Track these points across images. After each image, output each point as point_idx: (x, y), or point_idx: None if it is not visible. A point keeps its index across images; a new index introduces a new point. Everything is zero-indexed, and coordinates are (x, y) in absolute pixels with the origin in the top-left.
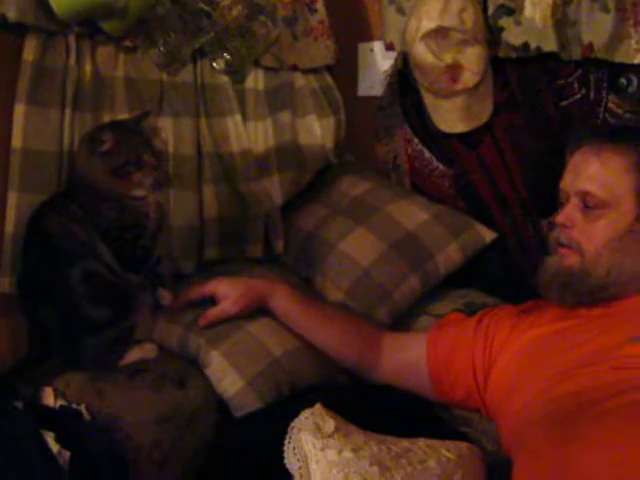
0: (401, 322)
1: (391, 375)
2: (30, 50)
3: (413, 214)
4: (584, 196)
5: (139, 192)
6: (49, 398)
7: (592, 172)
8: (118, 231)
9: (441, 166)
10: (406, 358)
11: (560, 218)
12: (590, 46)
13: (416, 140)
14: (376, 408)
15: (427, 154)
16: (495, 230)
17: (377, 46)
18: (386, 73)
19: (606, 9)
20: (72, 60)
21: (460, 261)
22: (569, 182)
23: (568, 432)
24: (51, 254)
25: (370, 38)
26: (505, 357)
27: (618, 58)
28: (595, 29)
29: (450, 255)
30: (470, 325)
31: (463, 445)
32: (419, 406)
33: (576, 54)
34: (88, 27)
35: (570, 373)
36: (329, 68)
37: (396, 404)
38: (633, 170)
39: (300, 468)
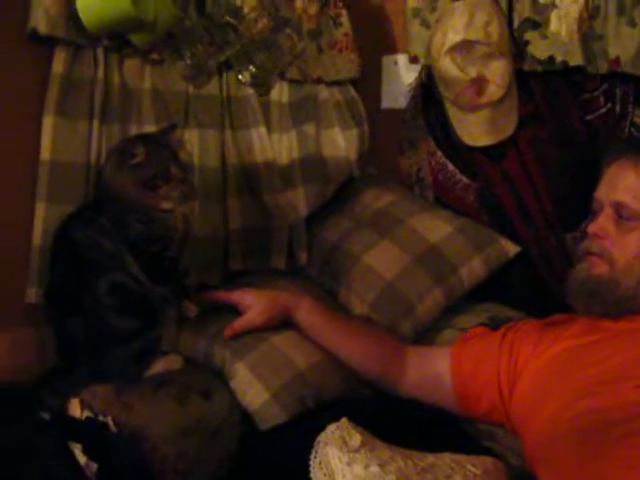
0: (425, 336)
1: (415, 388)
2: (59, 62)
3: (437, 227)
4: (619, 207)
5: (166, 205)
6: (75, 409)
7: (628, 184)
8: (145, 243)
9: (465, 179)
10: (430, 371)
11: (593, 228)
12: (617, 60)
13: (440, 153)
14: (401, 421)
15: (451, 167)
16: (519, 244)
17: (401, 59)
18: (410, 86)
19: (633, 23)
20: (100, 72)
21: (484, 275)
22: (604, 193)
23: (596, 450)
24: (78, 266)
25: (394, 51)
26: (530, 371)
27: None
28: (622, 43)
29: (474, 269)
30: (495, 339)
31: (488, 460)
32: (444, 420)
33: (602, 68)
34: (116, 40)
35: (593, 389)
36: (353, 81)
37: (421, 418)
38: None
39: None
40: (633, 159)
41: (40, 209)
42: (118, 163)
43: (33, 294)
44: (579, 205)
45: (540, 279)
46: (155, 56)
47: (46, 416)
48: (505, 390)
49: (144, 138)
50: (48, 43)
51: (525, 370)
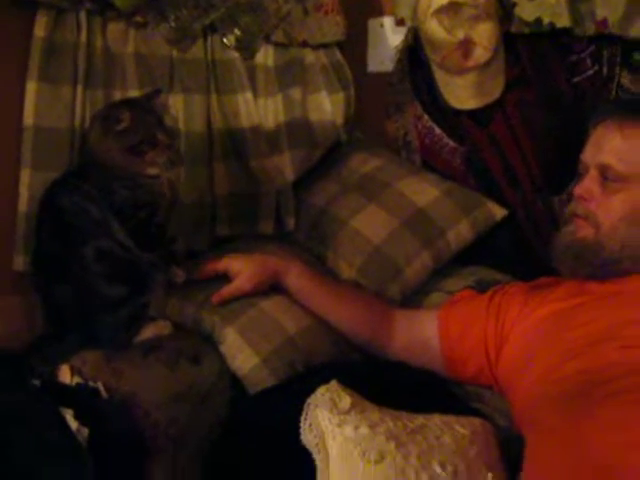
0: (412, 299)
1: (403, 352)
2: (41, 26)
3: (424, 191)
4: (604, 169)
5: (153, 171)
6: (65, 376)
7: (614, 146)
8: (132, 210)
9: (451, 143)
10: (418, 335)
11: (578, 190)
12: (604, 21)
13: (426, 117)
14: (390, 384)
15: (437, 131)
16: (506, 207)
17: (387, 21)
18: (396, 49)
19: None
20: (83, 36)
21: (471, 238)
22: (590, 155)
23: (581, 410)
24: (64, 232)
25: (380, 14)
26: (516, 334)
27: (633, 34)
28: (609, 4)
29: (461, 232)
30: (482, 302)
31: (476, 421)
32: (432, 382)
33: (590, 30)
34: (99, 3)
35: (579, 350)
36: (339, 44)
37: (409, 380)
38: None
39: (317, 444)
40: (618, 121)
41: (25, 175)
42: (103, 129)
43: (20, 261)
44: (566, 168)
45: (527, 242)
46: (139, 19)
47: (37, 383)
48: (492, 352)
49: (129, 103)
50: (30, 7)
51: (512, 333)
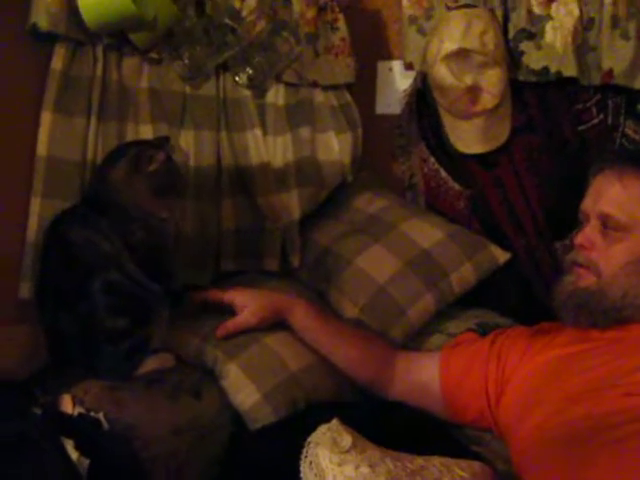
0: (414, 340)
1: (404, 394)
2: (59, 59)
3: (428, 233)
4: (605, 219)
5: (165, 214)
6: (67, 405)
7: (614, 195)
8: (145, 250)
9: (457, 186)
10: (419, 378)
11: (579, 239)
12: (610, 72)
13: (432, 159)
14: (390, 425)
15: (443, 174)
16: (509, 251)
17: (396, 65)
18: (405, 92)
19: (627, 36)
20: (99, 70)
21: (474, 281)
22: (590, 204)
23: (582, 457)
24: (72, 264)
25: (389, 57)
26: (518, 378)
27: (638, 85)
28: (615, 56)
29: (464, 275)
30: (484, 346)
31: (476, 464)
32: (432, 424)
33: (595, 80)
34: (116, 38)
35: (582, 397)
36: (348, 85)
37: (410, 422)
38: None
39: None
40: (619, 170)
41: (35, 204)
42: (132, 167)
43: (26, 289)
44: (569, 214)
45: (529, 286)
46: (154, 55)
47: (38, 412)
48: (493, 396)
49: (154, 145)
50: (48, 39)
51: (513, 377)
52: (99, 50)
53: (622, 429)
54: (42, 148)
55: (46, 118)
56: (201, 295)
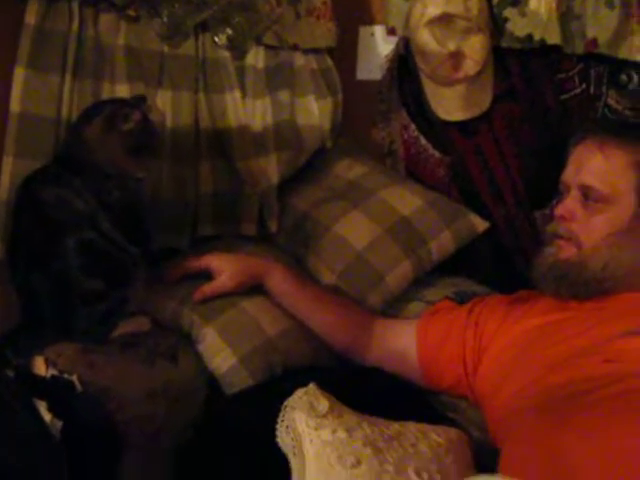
0: (392, 307)
1: (381, 360)
2: (32, 14)
3: (408, 200)
4: (585, 190)
5: (142, 174)
6: (40, 367)
7: (595, 166)
8: (120, 210)
9: (437, 153)
10: (397, 344)
11: (560, 210)
12: (594, 41)
13: (413, 126)
14: (367, 390)
15: (423, 141)
16: (488, 219)
17: (378, 30)
18: (386, 58)
19: (612, 5)
20: (74, 26)
21: (452, 249)
22: (571, 174)
23: (558, 422)
24: (46, 224)
25: (371, 22)
26: (496, 346)
27: (621, 54)
28: (600, 24)
29: (443, 242)
30: (461, 314)
31: (451, 430)
32: (408, 390)
33: (579, 48)
34: None
35: (561, 365)
36: (329, 50)
37: (386, 387)
38: (635, 167)
39: (293, 447)
40: (600, 140)
41: (7, 163)
42: (106, 126)
43: None
44: (550, 183)
45: (508, 255)
46: (131, 12)
47: (10, 373)
48: (470, 364)
49: (132, 104)
50: None
51: (491, 345)
52: (75, 5)
53: (598, 393)
54: (15, 105)
55: (19, 74)
56: (177, 270)
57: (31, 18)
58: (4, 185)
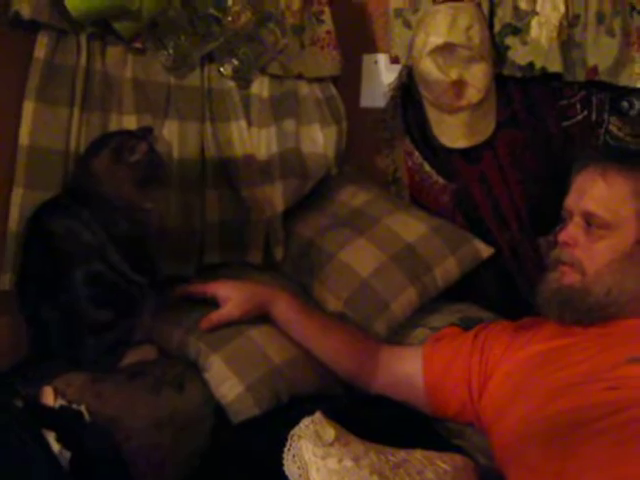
0: (397, 334)
1: (387, 387)
2: (42, 48)
3: (412, 227)
4: (588, 216)
5: (149, 205)
6: (49, 398)
7: (597, 193)
8: (129, 241)
9: (441, 180)
10: (402, 371)
11: (563, 236)
12: (595, 69)
13: (417, 153)
14: (372, 418)
15: (427, 168)
16: (492, 245)
17: (381, 58)
18: (390, 86)
19: (612, 33)
20: (83, 59)
21: (457, 275)
22: (573, 201)
23: (564, 450)
24: (55, 255)
25: (375, 50)
26: (501, 372)
27: (622, 82)
28: (600, 53)
29: (448, 269)
30: (467, 340)
31: (457, 457)
32: (414, 417)
33: (580, 76)
34: (100, 27)
35: (565, 391)
36: (333, 78)
37: (392, 415)
38: (637, 195)
39: (300, 476)
40: (602, 168)
41: (17, 195)
42: (114, 158)
43: (7, 281)
44: (553, 210)
45: (512, 281)
46: (138, 45)
47: (19, 404)
48: (475, 389)
49: (138, 136)
50: (31, 28)
51: (496, 371)
52: (83, 39)
53: (604, 421)
54: (24, 138)
55: (29, 107)
56: (184, 289)
57: (40, 52)
58: (14, 217)
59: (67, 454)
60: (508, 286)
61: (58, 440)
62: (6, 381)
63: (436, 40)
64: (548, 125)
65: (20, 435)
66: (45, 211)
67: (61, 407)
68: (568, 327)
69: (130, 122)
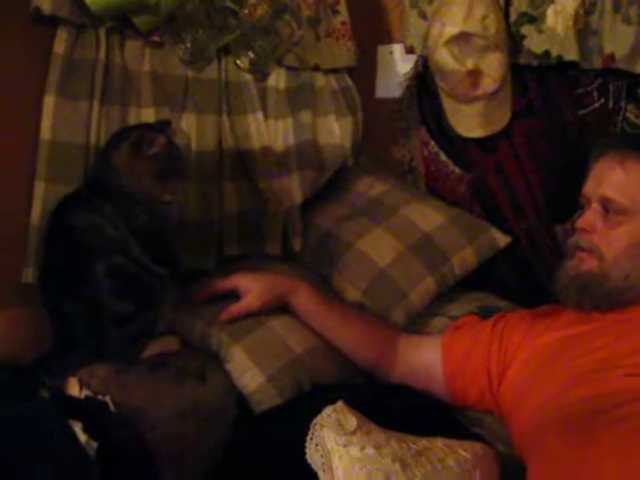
0: (415, 323)
1: (407, 376)
2: (61, 43)
3: (429, 216)
4: (606, 202)
5: (169, 197)
6: (74, 389)
7: (615, 179)
8: (149, 234)
9: (457, 170)
10: (421, 360)
11: (581, 223)
12: (611, 56)
13: (433, 143)
14: (393, 407)
15: (443, 157)
16: (509, 234)
17: (396, 49)
18: (405, 76)
19: (628, 21)
20: (102, 53)
21: (474, 264)
22: (591, 188)
23: (584, 436)
24: (77, 249)
25: (390, 41)
26: (520, 360)
27: (639, 69)
28: (617, 40)
29: (465, 258)
30: (485, 328)
31: (477, 445)
32: (434, 406)
33: (597, 64)
34: (118, 21)
35: (584, 377)
36: (349, 69)
37: (412, 404)
38: None
39: (323, 464)
40: (620, 154)
41: (39, 189)
42: (133, 151)
43: (30, 274)
44: (570, 198)
45: (529, 269)
46: (156, 39)
47: (45, 394)
48: (495, 377)
49: (157, 129)
50: (51, 23)
51: (515, 359)
52: (102, 33)
53: (624, 408)
54: (45, 132)
55: (49, 102)
56: (204, 286)
57: (60, 47)
58: (36, 211)
59: (94, 444)
60: (526, 274)
61: (85, 430)
62: (31, 373)
63: (452, 30)
64: (564, 114)
65: (47, 425)
66: (67, 205)
67: (87, 398)
68: (586, 314)
69: (148, 115)
